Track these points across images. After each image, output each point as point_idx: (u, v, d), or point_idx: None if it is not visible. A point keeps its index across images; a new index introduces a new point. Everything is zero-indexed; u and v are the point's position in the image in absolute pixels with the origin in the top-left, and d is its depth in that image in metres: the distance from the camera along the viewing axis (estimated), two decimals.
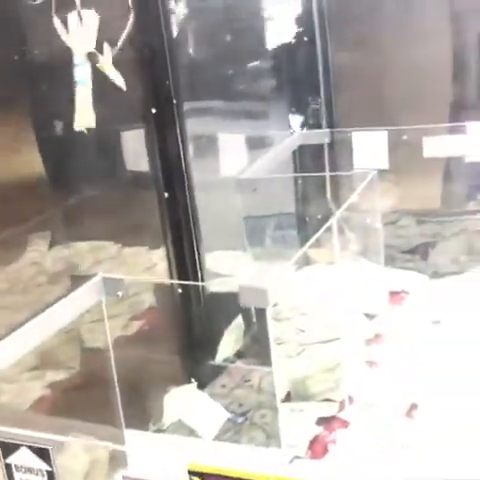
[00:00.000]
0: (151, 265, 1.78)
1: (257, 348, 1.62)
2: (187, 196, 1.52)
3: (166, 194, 1.50)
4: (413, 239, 2.17)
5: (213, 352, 1.64)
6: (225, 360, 1.64)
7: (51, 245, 1.71)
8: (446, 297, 1.84)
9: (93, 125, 1.45)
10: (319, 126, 2.04)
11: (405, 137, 1.96)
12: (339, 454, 1.32)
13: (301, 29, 2.03)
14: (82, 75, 1.42)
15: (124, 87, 1.42)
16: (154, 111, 1.44)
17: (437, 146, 1.96)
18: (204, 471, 0.89)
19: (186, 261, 1.54)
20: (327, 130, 2.02)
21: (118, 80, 1.41)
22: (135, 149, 1.59)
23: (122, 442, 1.28)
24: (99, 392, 1.42)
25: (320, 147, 2.03)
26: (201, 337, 1.60)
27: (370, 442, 1.33)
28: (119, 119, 1.57)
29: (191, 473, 0.89)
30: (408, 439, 1.33)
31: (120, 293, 1.30)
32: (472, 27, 2.07)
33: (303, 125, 1.99)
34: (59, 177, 1.69)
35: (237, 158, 1.91)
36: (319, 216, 2.04)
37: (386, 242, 1.94)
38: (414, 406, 1.44)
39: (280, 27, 2.02)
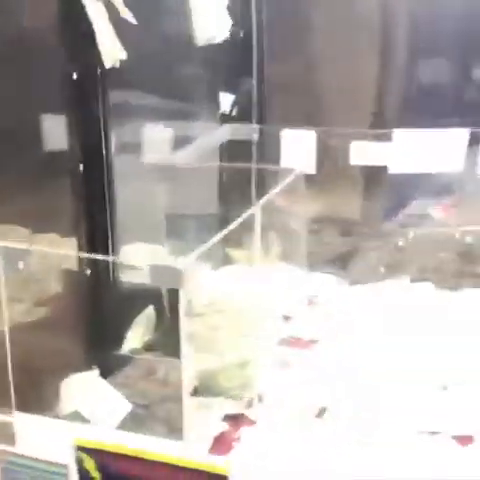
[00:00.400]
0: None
1: (167, 340, 1.55)
2: (105, 174, 1.44)
3: (81, 166, 1.41)
4: (335, 248, 2.16)
5: (120, 343, 1.56)
6: (132, 351, 1.56)
7: None
8: (363, 302, 1.82)
9: (124, 56, 1.38)
10: (249, 118, 1.99)
11: (332, 141, 1.94)
12: (242, 452, 1.26)
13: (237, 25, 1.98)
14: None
15: (135, 21, 1.35)
16: (75, 76, 1.35)
17: (364, 153, 1.94)
18: (93, 447, 0.81)
19: (98, 249, 1.46)
20: (256, 126, 1.97)
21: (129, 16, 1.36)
22: (52, 118, 1.49)
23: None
24: None
25: (248, 143, 1.98)
26: (108, 327, 1.52)
27: (276, 441, 1.28)
28: (35, 88, 1.47)
29: (80, 449, 0.81)
30: (315, 439, 1.29)
31: (21, 264, 1.20)
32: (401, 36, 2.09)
33: (233, 105, 1.93)
34: None
35: (162, 147, 1.84)
36: (242, 213, 1.99)
37: (308, 248, 1.92)
38: (324, 409, 1.39)
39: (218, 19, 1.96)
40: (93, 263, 1.44)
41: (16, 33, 1.42)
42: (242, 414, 1.37)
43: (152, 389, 1.45)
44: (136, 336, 1.58)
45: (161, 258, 1.86)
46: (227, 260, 1.94)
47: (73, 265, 1.41)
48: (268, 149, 1.98)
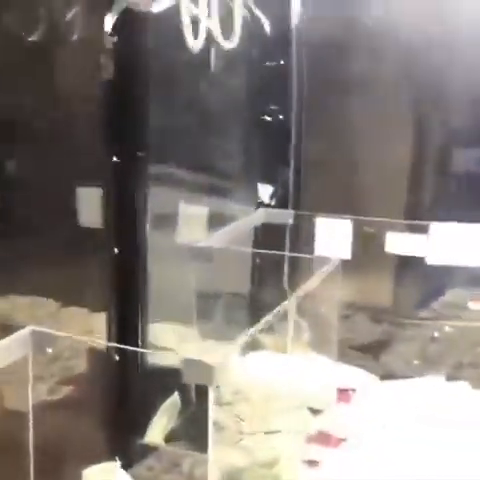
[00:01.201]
0: (90, 329, 1.66)
1: (192, 431, 1.49)
2: (138, 253, 1.42)
3: (115, 244, 1.39)
4: (366, 336, 2.10)
5: (143, 430, 1.50)
6: (155, 440, 1.51)
7: None
8: (395, 399, 1.75)
9: None
10: (285, 204, 1.98)
11: (368, 229, 1.91)
12: None
13: (277, 107, 1.99)
14: None
15: None
16: (115, 160, 1.35)
17: (399, 243, 1.92)
18: None
19: (127, 329, 1.43)
20: (291, 211, 1.96)
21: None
22: (90, 199, 1.49)
23: None
24: (11, 458, 1.28)
25: (283, 227, 1.96)
26: (132, 412, 1.47)
27: None
28: (74, 166, 1.47)
29: None
30: None
31: (49, 349, 1.18)
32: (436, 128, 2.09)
33: (272, 195, 1.92)
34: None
35: (197, 228, 1.83)
36: (274, 299, 1.96)
37: (339, 335, 1.87)
38: None
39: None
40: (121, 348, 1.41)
41: (65, 112, 1.42)
42: None
43: None
44: (161, 424, 1.53)
45: (191, 340, 1.82)
46: (255, 345, 1.90)
47: (101, 350, 1.38)
48: (302, 234, 1.96)
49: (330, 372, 1.76)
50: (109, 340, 1.41)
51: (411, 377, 1.87)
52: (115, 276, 1.44)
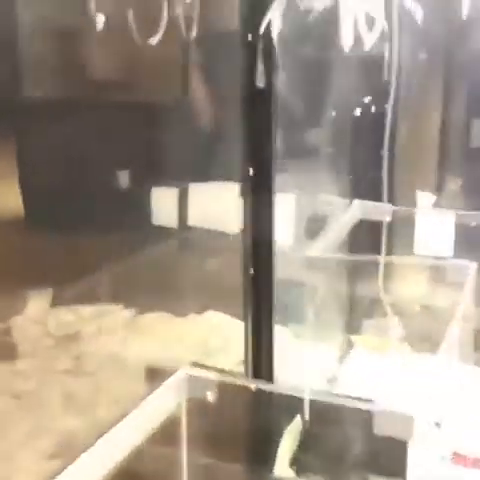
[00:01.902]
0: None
1: (327, 462, 1.36)
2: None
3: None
4: None
5: (269, 462, 1.37)
6: (285, 472, 1.38)
7: None
8: None
9: None
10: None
11: (473, 223, 1.78)
12: None
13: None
14: None
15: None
16: (252, 172, 1.20)
17: None
18: None
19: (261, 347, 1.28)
20: (389, 206, 1.81)
21: None
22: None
23: None
24: None
25: (379, 224, 1.82)
26: (263, 444, 1.34)
27: None
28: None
29: None
30: None
31: (211, 395, 1.03)
32: None
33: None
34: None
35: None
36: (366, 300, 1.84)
37: None
38: None
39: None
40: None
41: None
42: None
43: None
44: (286, 453, 1.40)
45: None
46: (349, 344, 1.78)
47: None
48: (400, 231, 1.83)
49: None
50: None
51: None
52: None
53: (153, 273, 1.68)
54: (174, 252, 1.80)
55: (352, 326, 1.82)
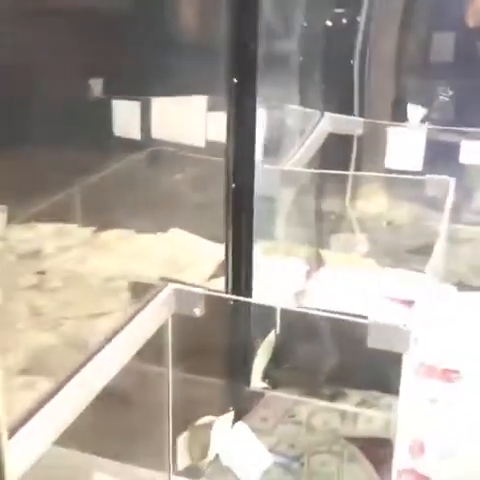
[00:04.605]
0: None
1: (301, 375, 1.38)
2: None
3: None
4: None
5: (246, 376, 1.37)
6: (259, 384, 1.38)
7: None
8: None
9: None
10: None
11: (443, 138, 1.76)
12: None
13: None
14: None
15: None
16: (235, 81, 1.14)
17: (476, 152, 1.78)
18: None
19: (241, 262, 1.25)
20: (360, 119, 1.78)
21: None
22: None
23: None
24: None
25: (349, 137, 1.79)
26: (240, 359, 1.33)
27: None
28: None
29: None
30: None
31: (198, 310, 1.01)
32: None
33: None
34: None
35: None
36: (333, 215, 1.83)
37: None
38: None
39: None
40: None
41: None
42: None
43: (295, 435, 1.28)
44: (261, 366, 1.40)
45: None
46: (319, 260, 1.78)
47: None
48: (370, 145, 1.80)
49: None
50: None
51: None
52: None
53: (117, 189, 1.62)
54: (140, 166, 1.73)
55: (320, 242, 1.82)
